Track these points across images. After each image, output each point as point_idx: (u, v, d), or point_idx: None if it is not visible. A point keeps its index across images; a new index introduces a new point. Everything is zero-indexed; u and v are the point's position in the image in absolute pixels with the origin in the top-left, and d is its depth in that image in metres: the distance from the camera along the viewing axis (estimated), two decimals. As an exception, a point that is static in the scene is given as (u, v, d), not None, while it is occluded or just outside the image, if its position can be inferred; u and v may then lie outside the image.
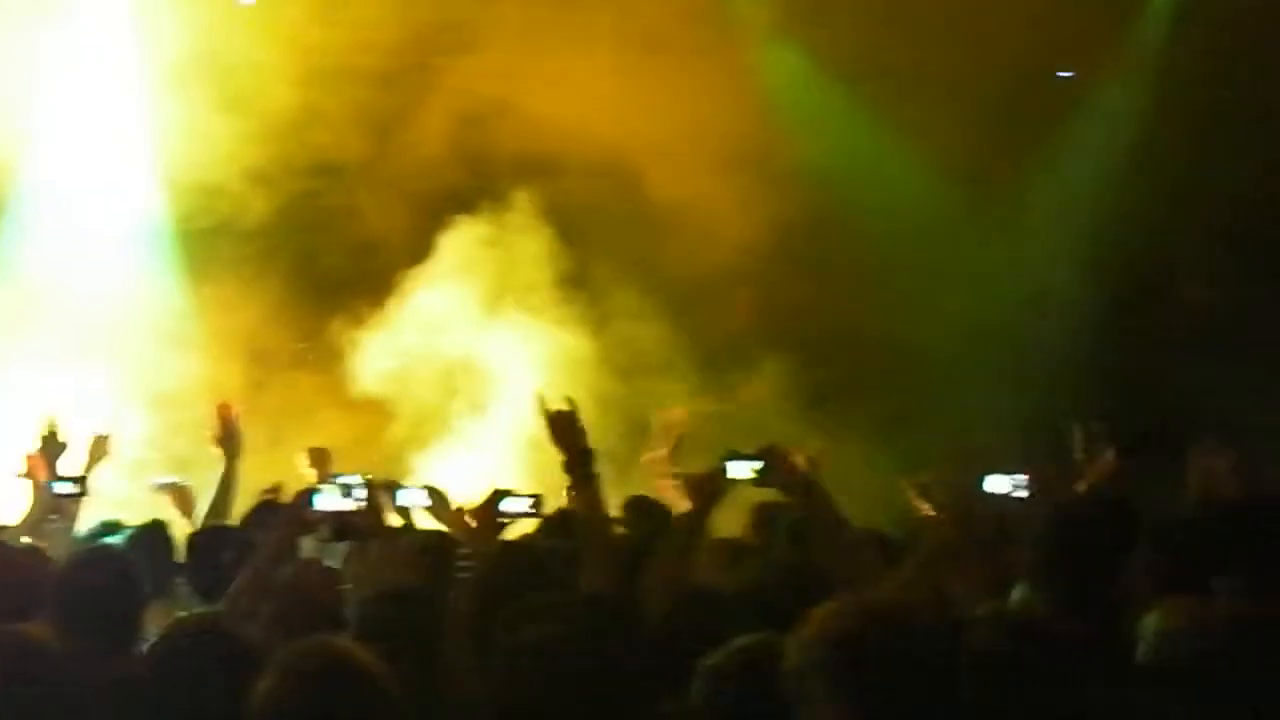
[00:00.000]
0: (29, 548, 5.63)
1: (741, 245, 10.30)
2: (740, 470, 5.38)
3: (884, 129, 10.82)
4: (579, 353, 10.45)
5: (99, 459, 7.28)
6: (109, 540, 6.13)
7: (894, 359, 10.67)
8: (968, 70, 10.11)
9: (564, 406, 5.16)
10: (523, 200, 10.62)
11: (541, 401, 5.20)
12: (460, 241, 10.58)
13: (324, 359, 10.70)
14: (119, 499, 8.77)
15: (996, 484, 6.18)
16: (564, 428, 5.13)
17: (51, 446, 6.80)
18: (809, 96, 10.93)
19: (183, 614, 4.84)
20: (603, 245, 10.71)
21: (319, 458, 7.95)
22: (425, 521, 6.64)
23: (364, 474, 6.51)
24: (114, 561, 4.78)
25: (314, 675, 3.33)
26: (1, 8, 10.32)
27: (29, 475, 6.77)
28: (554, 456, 5.25)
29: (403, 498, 6.68)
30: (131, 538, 6.06)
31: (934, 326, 10.59)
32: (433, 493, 6.77)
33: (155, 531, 6.19)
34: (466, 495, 6.78)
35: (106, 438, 7.37)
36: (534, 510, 5.65)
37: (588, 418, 5.22)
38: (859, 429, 9.82)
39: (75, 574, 4.70)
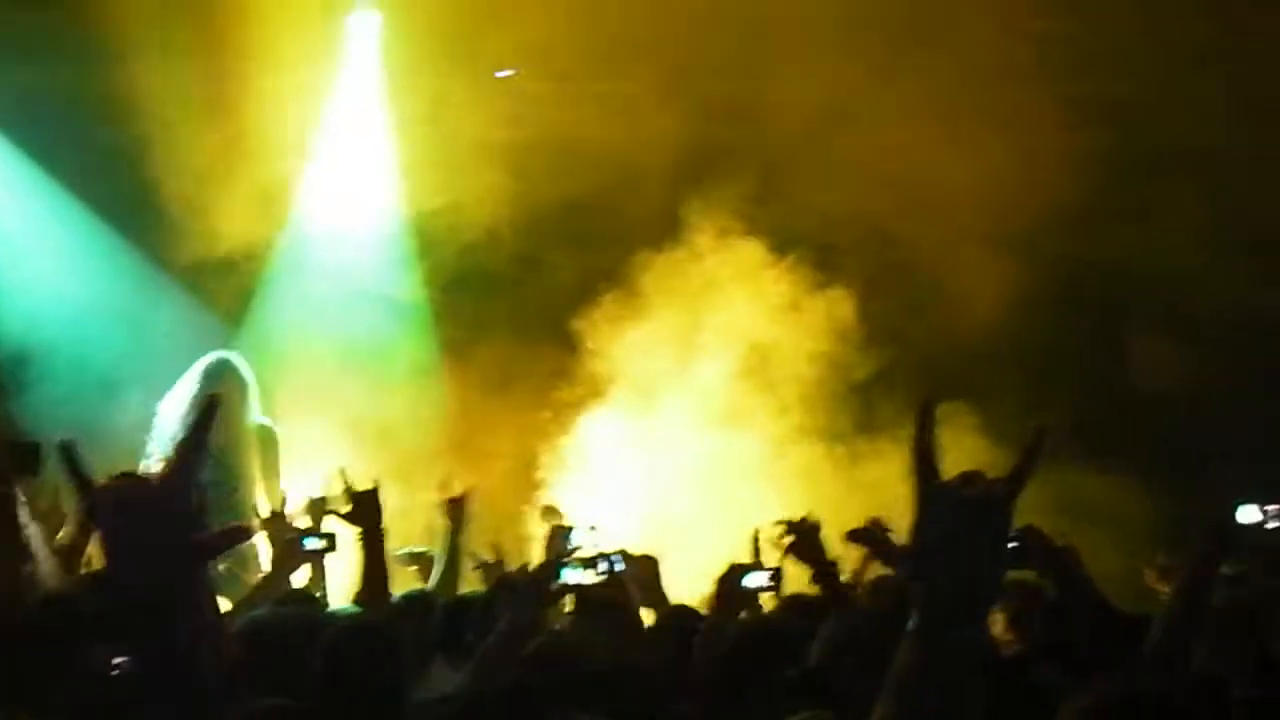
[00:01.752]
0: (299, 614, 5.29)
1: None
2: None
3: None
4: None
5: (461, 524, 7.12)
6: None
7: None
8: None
9: (805, 525, 5.51)
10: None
11: (784, 524, 5.52)
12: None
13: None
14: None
15: (1249, 514, 5.67)
16: (807, 545, 5.43)
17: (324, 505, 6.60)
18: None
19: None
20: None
21: (551, 515, 8.11)
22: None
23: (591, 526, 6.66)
24: (380, 636, 4.69)
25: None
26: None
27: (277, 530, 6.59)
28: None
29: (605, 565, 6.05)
30: (396, 609, 5.81)
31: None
32: (641, 561, 6.54)
33: (420, 603, 6.03)
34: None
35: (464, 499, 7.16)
36: (774, 584, 5.69)
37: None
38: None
39: (340, 648, 4.59)
